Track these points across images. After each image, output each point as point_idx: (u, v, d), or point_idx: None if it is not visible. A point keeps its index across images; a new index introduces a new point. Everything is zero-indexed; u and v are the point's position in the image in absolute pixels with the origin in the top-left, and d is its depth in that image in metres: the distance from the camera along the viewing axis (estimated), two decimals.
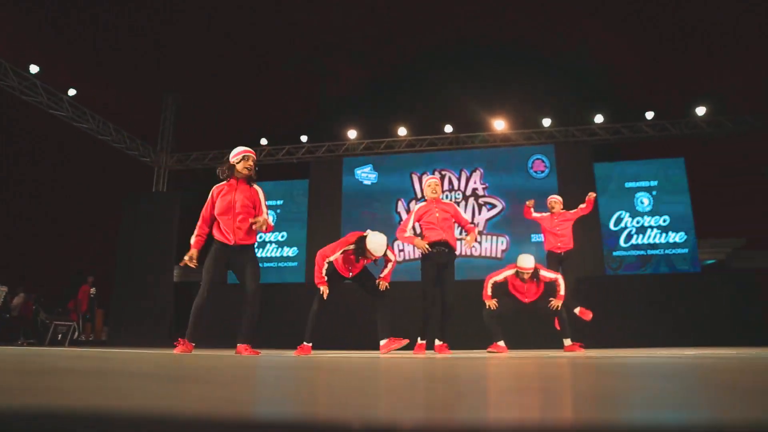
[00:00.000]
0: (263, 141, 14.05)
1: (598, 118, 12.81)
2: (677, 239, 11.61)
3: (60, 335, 10.90)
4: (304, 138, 13.90)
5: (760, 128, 12.29)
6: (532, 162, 12.55)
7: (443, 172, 12.77)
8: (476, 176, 12.69)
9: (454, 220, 5.66)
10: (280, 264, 13.10)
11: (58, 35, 13.80)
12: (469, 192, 12.59)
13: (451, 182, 12.73)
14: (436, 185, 5.75)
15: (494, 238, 12.25)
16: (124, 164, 15.36)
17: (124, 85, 14.38)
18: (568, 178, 12.21)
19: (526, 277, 5.81)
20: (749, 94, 13.22)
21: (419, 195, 12.59)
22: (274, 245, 13.21)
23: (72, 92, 12.02)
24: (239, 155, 4.57)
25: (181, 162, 14.49)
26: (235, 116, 16.23)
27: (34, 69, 11.20)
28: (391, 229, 13.16)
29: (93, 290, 12.38)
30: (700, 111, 12.39)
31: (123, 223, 13.17)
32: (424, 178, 5.74)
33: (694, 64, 14.41)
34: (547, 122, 12.95)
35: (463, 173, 12.74)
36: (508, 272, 6.02)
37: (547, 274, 6.05)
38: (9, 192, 19.07)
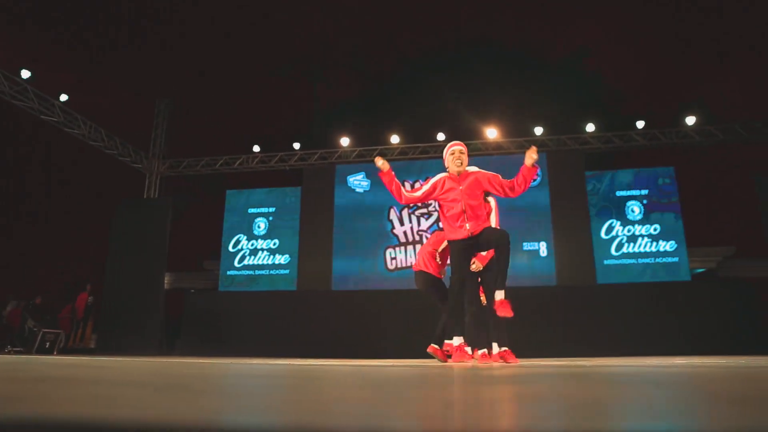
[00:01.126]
0: (256, 148, 14.03)
1: (590, 127, 12.90)
2: (667, 248, 11.68)
3: (48, 343, 10.78)
4: (296, 145, 13.90)
5: (749, 137, 12.42)
6: None
7: None
8: None
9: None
10: (271, 272, 13.03)
11: (50, 40, 13.77)
12: None
13: None
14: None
15: None
16: (115, 170, 15.34)
17: (116, 91, 14.35)
18: (559, 187, 12.28)
19: (462, 155, 4.28)
20: (739, 103, 13.39)
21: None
22: (266, 252, 13.12)
23: (64, 98, 11.95)
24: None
25: (173, 168, 14.42)
26: (228, 123, 16.24)
27: (25, 74, 11.13)
28: (383, 238, 13.29)
29: (91, 299, 12.30)
30: (690, 120, 12.51)
31: (114, 230, 13.09)
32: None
33: (684, 74, 14.61)
34: (539, 131, 13.03)
35: None
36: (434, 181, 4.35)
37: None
38: None
